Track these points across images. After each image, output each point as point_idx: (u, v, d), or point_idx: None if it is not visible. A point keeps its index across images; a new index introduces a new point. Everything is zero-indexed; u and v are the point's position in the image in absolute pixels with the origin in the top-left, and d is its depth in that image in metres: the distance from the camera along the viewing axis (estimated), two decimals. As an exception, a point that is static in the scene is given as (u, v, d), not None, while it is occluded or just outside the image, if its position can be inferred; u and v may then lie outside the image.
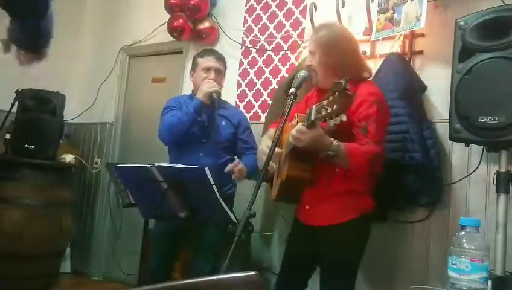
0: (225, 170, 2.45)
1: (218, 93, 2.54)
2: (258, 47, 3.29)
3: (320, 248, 1.98)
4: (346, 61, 1.96)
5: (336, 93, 1.59)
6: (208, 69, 2.60)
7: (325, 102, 1.64)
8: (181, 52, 3.73)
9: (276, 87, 3.07)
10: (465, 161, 2.31)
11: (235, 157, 2.63)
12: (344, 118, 1.59)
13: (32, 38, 1.37)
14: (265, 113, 3.07)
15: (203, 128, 2.56)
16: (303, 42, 3.03)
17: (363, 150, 1.83)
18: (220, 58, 2.66)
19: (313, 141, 1.79)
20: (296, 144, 1.81)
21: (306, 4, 3.02)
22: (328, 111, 1.62)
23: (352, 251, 1.98)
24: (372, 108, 1.86)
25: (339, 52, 1.97)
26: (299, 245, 2.08)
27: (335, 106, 1.59)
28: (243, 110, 3.20)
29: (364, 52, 2.64)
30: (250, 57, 3.33)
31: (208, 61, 2.61)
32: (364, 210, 1.95)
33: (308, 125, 1.77)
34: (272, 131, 2.19)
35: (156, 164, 2.23)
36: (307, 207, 2.02)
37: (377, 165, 1.87)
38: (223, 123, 2.63)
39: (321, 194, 1.97)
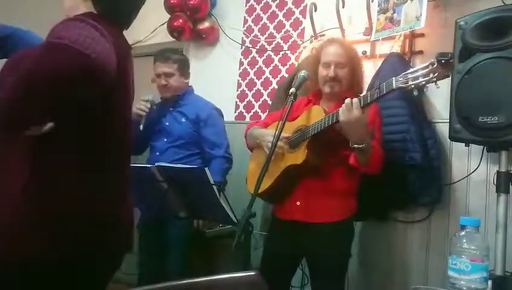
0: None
1: (148, 109, 2.61)
2: (258, 47, 3.28)
3: (314, 244, 2.00)
4: (361, 72, 2.15)
5: (436, 64, 1.62)
6: (158, 76, 2.71)
7: (416, 72, 1.68)
8: (181, 52, 3.73)
9: (276, 87, 3.07)
10: (465, 161, 2.31)
11: (197, 152, 2.66)
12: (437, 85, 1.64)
13: None
14: (265, 113, 3.07)
15: (162, 128, 2.69)
16: (303, 42, 3.03)
17: (378, 149, 1.93)
18: (167, 59, 2.70)
19: (360, 122, 1.80)
20: (345, 118, 1.79)
21: (306, 4, 3.02)
22: (422, 79, 1.66)
23: (348, 247, 2.08)
24: (377, 116, 2.04)
25: (360, 65, 2.14)
26: (283, 244, 2.09)
27: (432, 74, 1.63)
28: (239, 106, 3.20)
29: (365, 52, 2.64)
30: (250, 57, 3.33)
31: (156, 67, 2.73)
32: (355, 209, 2.08)
33: (364, 105, 1.80)
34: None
35: (156, 164, 2.23)
36: (298, 203, 2.03)
37: (381, 166, 1.96)
38: (183, 120, 2.68)
39: (319, 190, 2.00)
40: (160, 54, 2.76)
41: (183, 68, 2.74)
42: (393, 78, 1.74)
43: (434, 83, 1.65)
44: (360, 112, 1.78)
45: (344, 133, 1.85)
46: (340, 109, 1.81)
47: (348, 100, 1.80)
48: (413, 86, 1.68)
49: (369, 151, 1.85)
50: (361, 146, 1.82)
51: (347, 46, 2.15)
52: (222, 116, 2.82)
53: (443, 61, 1.60)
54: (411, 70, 1.72)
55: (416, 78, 1.68)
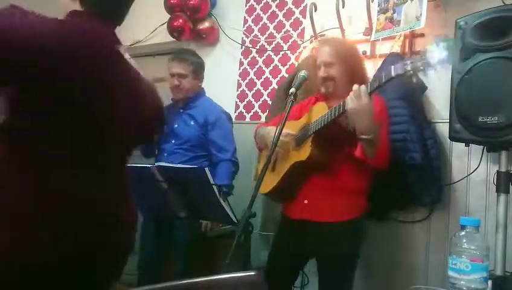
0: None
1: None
2: (258, 47, 3.28)
3: (322, 244, 1.98)
4: (361, 68, 2.10)
5: (433, 49, 1.64)
6: (172, 75, 2.71)
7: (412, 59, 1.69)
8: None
9: (276, 87, 3.07)
10: (465, 161, 2.31)
11: (204, 154, 2.67)
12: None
13: None
14: (265, 113, 3.07)
15: (171, 131, 2.69)
16: (303, 42, 3.03)
17: (386, 142, 1.90)
18: (184, 60, 2.69)
19: (368, 110, 1.78)
20: (353, 105, 1.77)
21: (306, 4, 3.02)
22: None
23: (357, 248, 2.04)
24: (384, 112, 2.00)
25: (357, 61, 2.10)
26: (291, 243, 2.07)
27: (430, 59, 1.64)
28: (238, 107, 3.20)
29: (365, 52, 2.64)
30: (250, 57, 3.33)
31: (171, 67, 2.72)
32: (366, 209, 2.04)
33: (372, 90, 1.78)
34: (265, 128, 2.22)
35: (156, 164, 2.23)
36: (305, 201, 2.01)
37: (388, 161, 1.93)
38: (191, 123, 2.68)
39: (326, 187, 1.97)
40: (178, 55, 2.76)
41: (198, 71, 2.75)
42: (392, 66, 1.74)
43: (433, 68, 1.65)
44: (369, 99, 1.77)
45: (351, 122, 1.82)
46: (348, 97, 1.79)
47: (355, 86, 1.79)
48: (411, 71, 1.68)
49: (377, 143, 1.82)
50: (368, 137, 1.79)
51: (339, 44, 2.12)
52: (231, 120, 2.83)
53: (440, 44, 1.61)
54: (409, 58, 1.74)
55: (415, 63, 1.69)
